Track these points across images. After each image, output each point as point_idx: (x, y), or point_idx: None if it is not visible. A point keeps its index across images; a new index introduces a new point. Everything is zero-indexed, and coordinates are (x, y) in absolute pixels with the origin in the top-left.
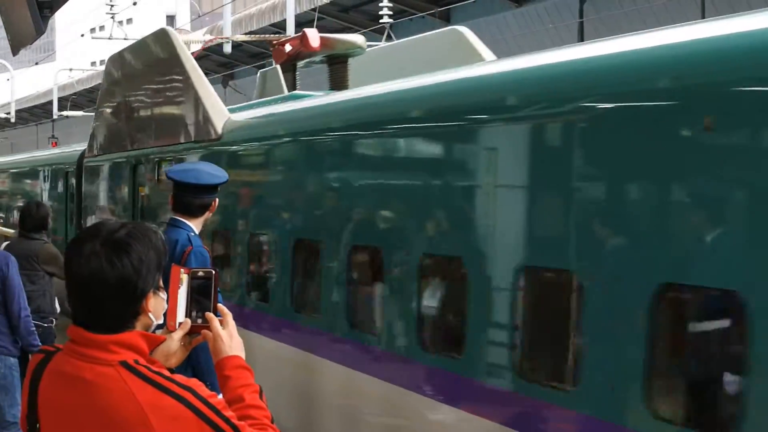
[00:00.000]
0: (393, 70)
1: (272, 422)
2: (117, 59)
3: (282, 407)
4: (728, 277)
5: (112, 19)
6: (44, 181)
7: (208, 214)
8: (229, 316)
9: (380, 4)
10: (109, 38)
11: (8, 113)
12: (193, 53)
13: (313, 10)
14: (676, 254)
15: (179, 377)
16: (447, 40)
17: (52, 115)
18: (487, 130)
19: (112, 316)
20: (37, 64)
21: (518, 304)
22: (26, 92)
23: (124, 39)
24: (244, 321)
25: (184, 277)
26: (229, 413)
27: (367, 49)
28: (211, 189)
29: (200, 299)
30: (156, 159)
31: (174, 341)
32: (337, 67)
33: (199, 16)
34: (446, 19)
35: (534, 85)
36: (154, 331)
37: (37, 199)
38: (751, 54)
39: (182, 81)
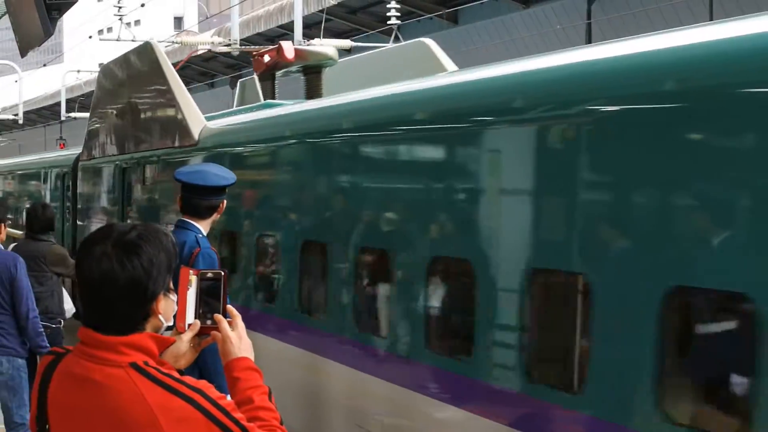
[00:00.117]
0: (363, 80)
1: (281, 424)
2: (107, 70)
3: (290, 408)
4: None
5: (119, 21)
6: (43, 182)
7: (215, 216)
8: (238, 318)
9: (388, 6)
10: (117, 40)
11: (16, 115)
12: (175, 64)
13: (321, 11)
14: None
15: (189, 379)
16: (413, 52)
17: (59, 116)
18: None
19: (122, 318)
20: (45, 65)
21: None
22: (34, 94)
23: (132, 41)
24: None
25: (193, 279)
26: (238, 415)
27: (340, 60)
28: (219, 190)
29: (209, 300)
30: (141, 162)
31: (183, 343)
32: (311, 77)
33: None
34: (454, 21)
35: (472, 97)
36: (163, 333)
37: (43, 201)
38: (761, 56)
39: (164, 91)
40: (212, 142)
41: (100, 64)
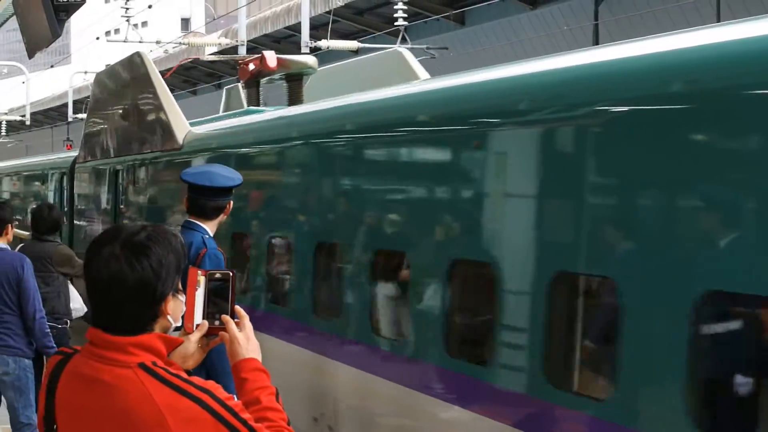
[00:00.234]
0: (341, 88)
1: (288, 424)
2: (101, 77)
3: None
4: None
5: (127, 23)
6: (43, 183)
7: (222, 217)
8: (245, 319)
9: (395, 7)
10: (125, 41)
11: (23, 116)
12: (165, 73)
13: (328, 12)
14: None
15: (197, 379)
16: (388, 60)
17: (67, 117)
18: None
19: (131, 319)
20: (52, 66)
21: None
22: (41, 95)
23: (140, 42)
24: None
25: (202, 279)
26: (246, 415)
27: (321, 69)
28: (226, 191)
29: (217, 301)
30: (131, 165)
31: (191, 343)
32: (292, 84)
33: (214, 19)
34: (461, 22)
35: (442, 105)
36: (171, 334)
37: (48, 202)
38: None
39: (152, 98)
40: (194, 147)
41: (107, 65)
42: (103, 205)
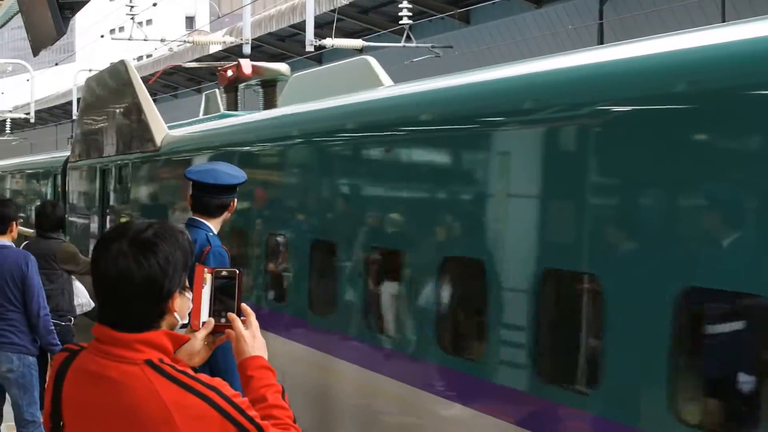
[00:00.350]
0: (312, 93)
1: (294, 422)
2: (90, 82)
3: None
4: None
5: (131, 20)
6: (38, 181)
7: (226, 215)
8: (252, 316)
9: (400, 6)
10: (129, 39)
11: (28, 113)
12: (148, 78)
13: (333, 11)
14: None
15: (203, 376)
16: (356, 68)
17: (71, 115)
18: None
19: (138, 316)
20: (57, 64)
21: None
22: (46, 93)
23: (144, 40)
24: None
25: (208, 277)
26: (252, 413)
27: (294, 75)
28: (230, 189)
29: (224, 299)
30: (115, 165)
31: (198, 340)
32: (267, 90)
33: (219, 18)
34: (466, 21)
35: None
36: (178, 331)
37: (52, 199)
38: None
39: (134, 103)
40: (170, 149)
41: (112, 63)
42: (92, 202)
